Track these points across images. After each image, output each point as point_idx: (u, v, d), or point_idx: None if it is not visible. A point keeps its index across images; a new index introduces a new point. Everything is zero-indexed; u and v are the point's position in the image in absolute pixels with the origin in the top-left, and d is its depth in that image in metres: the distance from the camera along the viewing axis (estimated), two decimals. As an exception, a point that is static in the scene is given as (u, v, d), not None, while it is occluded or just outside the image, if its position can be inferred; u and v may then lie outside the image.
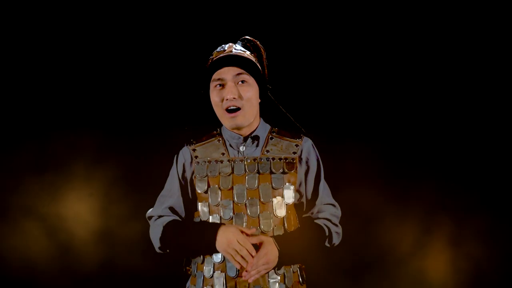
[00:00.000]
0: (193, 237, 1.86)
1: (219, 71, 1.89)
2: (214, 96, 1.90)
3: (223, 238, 1.79)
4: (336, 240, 2.00)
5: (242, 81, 1.88)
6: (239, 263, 1.77)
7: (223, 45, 1.96)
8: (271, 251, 1.80)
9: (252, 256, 1.77)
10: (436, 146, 2.81)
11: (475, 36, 2.76)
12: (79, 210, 2.78)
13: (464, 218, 2.77)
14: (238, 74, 1.88)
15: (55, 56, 2.80)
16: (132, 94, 2.82)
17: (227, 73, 1.88)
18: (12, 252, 2.76)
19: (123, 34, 2.80)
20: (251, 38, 2.00)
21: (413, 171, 2.79)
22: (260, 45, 1.99)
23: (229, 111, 1.88)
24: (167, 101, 2.78)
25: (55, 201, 2.77)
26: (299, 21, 2.80)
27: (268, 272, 1.84)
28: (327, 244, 1.97)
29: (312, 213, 2.00)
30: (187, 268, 1.97)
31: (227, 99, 1.86)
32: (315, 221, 1.98)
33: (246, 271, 1.77)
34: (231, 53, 1.90)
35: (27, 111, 2.80)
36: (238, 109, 1.88)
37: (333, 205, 2.03)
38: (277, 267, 1.84)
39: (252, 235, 1.82)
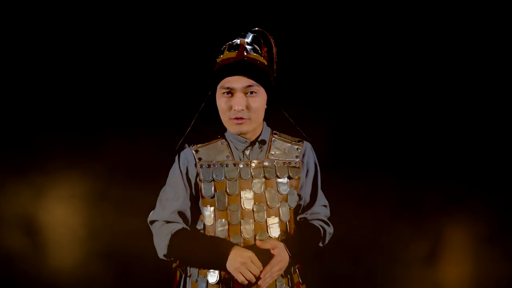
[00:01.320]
0: (204, 252, 1.82)
1: (229, 78, 1.82)
2: (222, 103, 1.85)
3: (237, 257, 1.77)
4: (327, 239, 2.04)
5: (251, 92, 1.83)
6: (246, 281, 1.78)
7: (235, 41, 1.89)
8: (284, 258, 1.83)
9: (256, 277, 1.78)
10: (448, 154, 2.81)
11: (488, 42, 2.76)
12: (60, 211, 2.72)
13: (478, 229, 2.78)
14: (249, 85, 1.82)
15: (43, 56, 2.69)
16: (127, 94, 2.76)
17: (237, 82, 1.82)
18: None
19: (119, 33, 2.72)
20: (264, 31, 1.94)
21: (425, 178, 2.78)
22: (272, 39, 1.94)
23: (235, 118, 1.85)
24: (163, 100, 2.73)
25: (36, 202, 2.71)
26: (303, 23, 2.78)
27: None
28: (320, 244, 2.00)
29: (306, 214, 2.02)
30: (181, 270, 1.94)
31: (235, 110, 1.82)
32: (311, 222, 2.00)
33: (260, 278, 1.78)
34: (243, 60, 1.83)
35: (12, 111, 2.72)
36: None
37: (325, 206, 2.08)
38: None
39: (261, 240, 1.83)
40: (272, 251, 1.81)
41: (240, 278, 1.77)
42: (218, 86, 1.86)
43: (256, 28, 1.94)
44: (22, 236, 2.70)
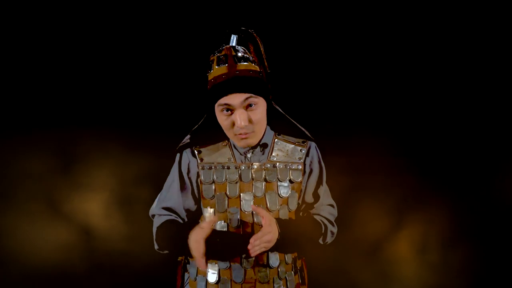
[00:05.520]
0: (181, 238, 1.82)
1: (225, 97, 1.80)
2: (223, 120, 1.84)
3: (191, 238, 1.78)
4: (330, 239, 2.02)
5: (251, 105, 1.82)
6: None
7: (222, 51, 1.85)
8: (273, 231, 1.80)
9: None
10: (453, 161, 2.80)
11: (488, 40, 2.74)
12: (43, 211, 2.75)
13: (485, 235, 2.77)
14: (247, 98, 1.80)
15: (51, 56, 2.72)
16: (132, 98, 2.78)
17: (235, 99, 1.79)
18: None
19: (119, 36, 2.74)
20: (248, 30, 1.91)
21: (429, 179, 2.79)
22: (256, 36, 1.91)
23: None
24: (171, 105, 2.76)
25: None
26: (301, 21, 2.76)
27: (272, 278, 1.88)
28: (320, 241, 1.99)
29: (311, 211, 2.02)
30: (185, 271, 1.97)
31: (238, 127, 1.81)
32: (314, 216, 1.99)
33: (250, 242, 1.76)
34: (236, 76, 1.79)
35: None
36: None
37: (332, 205, 2.06)
38: (271, 250, 1.85)
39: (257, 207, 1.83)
40: (263, 220, 1.78)
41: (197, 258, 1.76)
42: (216, 104, 1.84)
43: (242, 28, 1.92)
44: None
